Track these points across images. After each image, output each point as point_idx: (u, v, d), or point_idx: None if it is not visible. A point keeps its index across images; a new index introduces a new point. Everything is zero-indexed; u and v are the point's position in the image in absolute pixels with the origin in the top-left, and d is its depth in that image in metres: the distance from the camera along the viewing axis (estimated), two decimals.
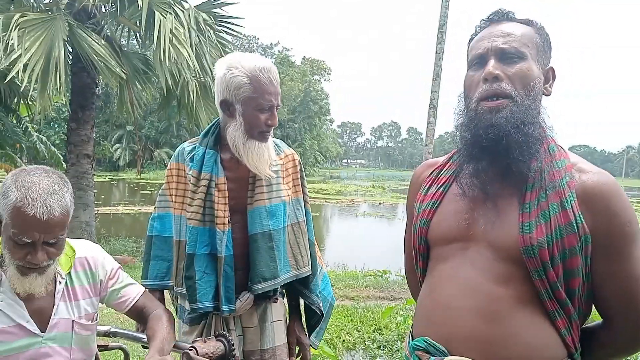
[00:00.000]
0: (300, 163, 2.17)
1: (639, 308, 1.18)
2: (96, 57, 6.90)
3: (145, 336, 1.69)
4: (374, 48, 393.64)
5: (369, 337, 5.37)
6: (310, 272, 2.08)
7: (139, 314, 1.75)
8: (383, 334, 5.43)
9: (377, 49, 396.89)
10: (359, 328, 5.60)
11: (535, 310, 1.17)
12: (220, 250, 1.89)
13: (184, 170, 2.00)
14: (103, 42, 7.32)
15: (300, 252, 2.07)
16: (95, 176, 9.61)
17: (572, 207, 1.16)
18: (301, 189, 2.13)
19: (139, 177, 29.36)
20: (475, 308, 1.19)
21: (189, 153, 2.01)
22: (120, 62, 8.10)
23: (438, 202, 1.35)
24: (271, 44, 72.75)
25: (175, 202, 2.02)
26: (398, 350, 4.91)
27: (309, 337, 2.16)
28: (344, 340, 5.25)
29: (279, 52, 67.94)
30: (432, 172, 1.45)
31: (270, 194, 1.97)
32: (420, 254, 1.39)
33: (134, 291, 1.74)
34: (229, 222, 1.92)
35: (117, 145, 47.65)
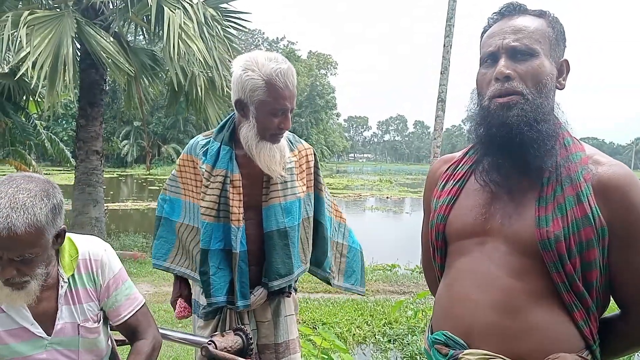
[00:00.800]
0: (315, 156, 2.18)
1: None
2: (104, 54, 6.91)
3: (162, 330, 1.70)
4: (383, 41, 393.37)
5: (379, 331, 5.39)
6: (307, 266, 2.15)
7: (128, 331, 1.67)
8: (393, 328, 5.44)
9: (386, 42, 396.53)
10: (369, 322, 5.62)
11: (553, 303, 1.18)
12: (235, 246, 1.91)
13: (197, 163, 2.02)
14: (111, 38, 7.33)
15: (308, 248, 2.13)
16: (104, 172, 9.65)
17: (588, 200, 1.17)
18: (313, 184, 2.14)
19: (148, 172, 29.46)
20: (493, 302, 1.20)
21: (202, 147, 2.02)
22: (128, 59, 8.13)
23: (455, 197, 1.36)
24: (277, 38, 72.67)
25: (186, 189, 2.07)
26: (409, 344, 4.92)
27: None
28: (354, 334, 5.27)
29: (284, 46, 67.82)
30: (449, 168, 1.45)
31: (285, 191, 1.98)
32: (438, 249, 1.39)
33: (130, 305, 1.64)
34: (243, 219, 1.93)
35: (125, 141, 47.77)
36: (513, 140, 1.18)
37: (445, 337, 1.26)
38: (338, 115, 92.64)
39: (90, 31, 6.98)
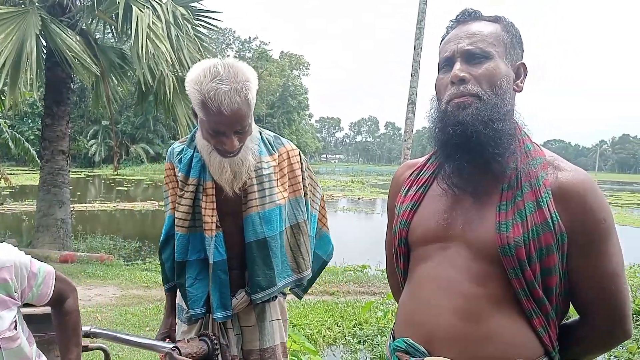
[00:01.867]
0: (300, 156, 2.06)
1: (614, 304, 1.20)
2: (69, 53, 6.77)
3: (127, 336, 1.67)
4: (346, 37, 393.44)
5: (350, 332, 5.40)
6: (310, 272, 2.03)
7: (54, 302, 1.69)
8: (363, 329, 5.46)
9: (349, 38, 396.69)
10: (340, 323, 5.62)
11: (512, 309, 1.18)
12: (210, 256, 1.85)
13: (175, 171, 1.96)
14: (77, 37, 7.19)
15: (301, 255, 2.00)
16: (70, 172, 9.45)
17: (547, 205, 1.17)
18: (301, 187, 2.02)
19: (116, 173, 28.91)
20: (455, 308, 1.19)
21: (177, 154, 1.95)
22: (96, 57, 7.97)
23: (418, 203, 1.35)
24: (249, 38, 72.31)
25: (172, 202, 1.99)
26: (378, 345, 4.94)
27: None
28: (324, 336, 5.27)
29: (257, 46, 67.52)
30: (412, 173, 1.45)
31: (262, 200, 1.89)
32: (401, 255, 1.39)
33: (49, 281, 1.65)
34: (217, 227, 1.87)
35: (93, 140, 46.87)
36: (470, 139, 1.19)
37: (406, 345, 1.25)
38: (310, 116, 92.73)
39: (55, 29, 6.83)
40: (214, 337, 1.58)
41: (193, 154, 1.88)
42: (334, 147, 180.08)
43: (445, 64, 1.28)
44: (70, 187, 9.54)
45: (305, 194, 2.05)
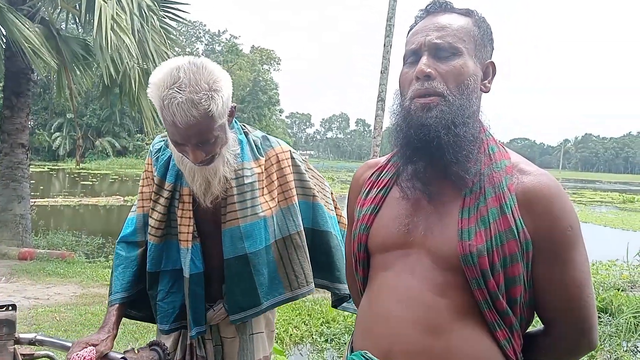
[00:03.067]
0: (293, 158, 1.85)
1: (580, 314, 1.15)
2: (26, 44, 6.50)
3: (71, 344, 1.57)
4: (311, 29, 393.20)
5: (317, 331, 5.34)
6: (310, 289, 1.82)
7: None
8: (331, 327, 5.41)
9: (314, 30, 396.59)
10: (307, 322, 5.57)
11: (475, 321, 1.12)
12: (185, 269, 1.68)
13: (153, 170, 1.78)
14: (36, 27, 6.93)
15: (294, 271, 1.78)
16: (32, 166, 9.17)
17: (512, 211, 1.11)
18: (294, 194, 1.81)
19: (79, 167, 28.26)
20: (415, 319, 1.13)
21: (156, 152, 1.77)
22: (58, 48, 7.72)
23: (378, 206, 1.28)
24: (219, 31, 71.66)
25: (142, 204, 1.81)
26: (345, 344, 4.91)
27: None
28: (291, 335, 5.20)
29: (226, 39, 66.86)
30: (373, 173, 1.37)
31: (244, 212, 1.68)
32: (361, 261, 1.31)
33: None
34: (195, 238, 1.70)
35: (57, 133, 45.66)
36: (430, 143, 1.12)
37: (364, 359, 1.18)
38: (281, 111, 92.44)
39: (12, 18, 6.55)
40: (165, 347, 1.49)
41: (171, 155, 1.70)
42: (304, 143, 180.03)
43: (411, 57, 1.20)
44: (32, 181, 9.25)
45: (313, 196, 1.87)
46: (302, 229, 1.81)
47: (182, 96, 1.40)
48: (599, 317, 5.56)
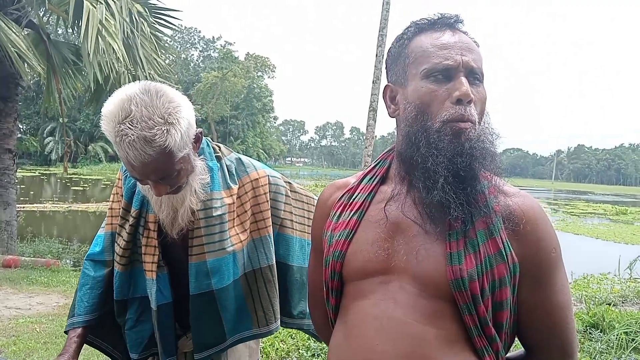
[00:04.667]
0: (271, 185, 1.72)
1: (564, 337, 1.12)
2: (12, 48, 6.39)
3: None
4: (307, 35, 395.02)
5: (304, 345, 5.25)
6: (277, 327, 1.73)
7: None
8: (317, 342, 5.32)
9: (311, 36, 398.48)
10: (294, 335, 5.47)
11: (464, 348, 1.05)
12: (152, 300, 1.57)
13: (122, 182, 1.68)
14: (23, 32, 6.84)
15: (262, 307, 1.67)
16: (24, 170, 9.04)
17: (500, 234, 1.06)
18: (268, 224, 1.69)
19: (68, 173, 28.04)
20: (400, 352, 1.04)
21: (125, 170, 1.62)
22: (47, 52, 7.62)
23: (353, 231, 1.18)
24: (213, 37, 71.71)
25: (111, 222, 1.71)
26: None
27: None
28: (277, 349, 5.11)
29: (221, 46, 66.88)
30: (343, 195, 1.28)
31: (211, 246, 1.55)
32: (334, 290, 1.22)
33: None
34: (161, 267, 1.58)
35: (50, 138, 45.47)
36: (472, 172, 1.05)
37: None
38: (275, 118, 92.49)
39: None
40: None
41: None
42: (298, 150, 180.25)
43: (441, 74, 1.08)
44: (22, 186, 9.13)
45: (285, 227, 1.74)
46: (274, 262, 1.70)
47: (134, 133, 1.27)
48: (590, 332, 5.48)
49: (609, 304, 6.70)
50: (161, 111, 1.30)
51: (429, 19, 1.16)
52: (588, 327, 5.54)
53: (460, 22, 1.15)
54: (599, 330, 5.58)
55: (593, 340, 5.27)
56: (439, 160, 1.05)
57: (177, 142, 1.33)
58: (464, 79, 1.06)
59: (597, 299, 7.14)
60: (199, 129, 1.48)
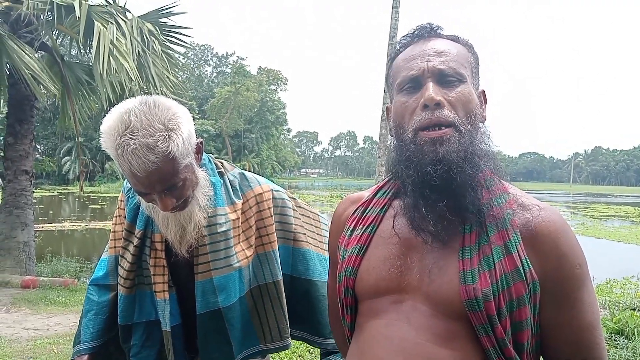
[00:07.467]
0: (275, 199, 1.68)
1: (590, 358, 1.05)
2: (27, 70, 6.48)
3: None
4: (319, 47, 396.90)
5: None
6: (285, 345, 1.67)
7: None
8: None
9: (322, 47, 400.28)
10: (312, 350, 5.40)
11: None
12: (165, 322, 1.53)
13: (125, 203, 1.66)
14: (37, 53, 6.93)
15: (268, 324, 1.64)
16: (42, 190, 9.15)
17: (517, 250, 1.01)
18: (274, 239, 1.65)
19: (82, 192, 28.23)
20: None
21: (128, 190, 1.63)
22: (60, 74, 7.71)
23: (365, 246, 1.16)
24: (227, 53, 72.35)
25: (114, 245, 1.68)
26: None
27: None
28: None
29: (234, 62, 67.45)
30: (356, 209, 1.25)
31: (216, 263, 1.53)
32: (348, 307, 1.19)
33: None
34: (172, 287, 1.56)
35: (67, 157, 46.06)
36: (453, 181, 1.01)
37: None
38: (289, 130, 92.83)
39: (12, 46, 6.55)
40: None
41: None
42: (312, 161, 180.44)
43: (409, 85, 1.09)
44: (41, 206, 9.21)
45: (298, 241, 1.70)
46: (280, 278, 1.66)
47: (136, 142, 1.25)
48: (615, 339, 5.34)
49: (634, 309, 6.52)
50: (161, 118, 1.29)
51: (409, 34, 1.16)
52: (612, 334, 5.39)
53: (436, 29, 1.14)
54: (623, 337, 5.43)
55: (618, 347, 5.13)
56: (409, 173, 1.04)
57: (179, 147, 1.31)
58: (430, 84, 1.05)
59: (621, 305, 6.96)
60: (199, 139, 1.47)
